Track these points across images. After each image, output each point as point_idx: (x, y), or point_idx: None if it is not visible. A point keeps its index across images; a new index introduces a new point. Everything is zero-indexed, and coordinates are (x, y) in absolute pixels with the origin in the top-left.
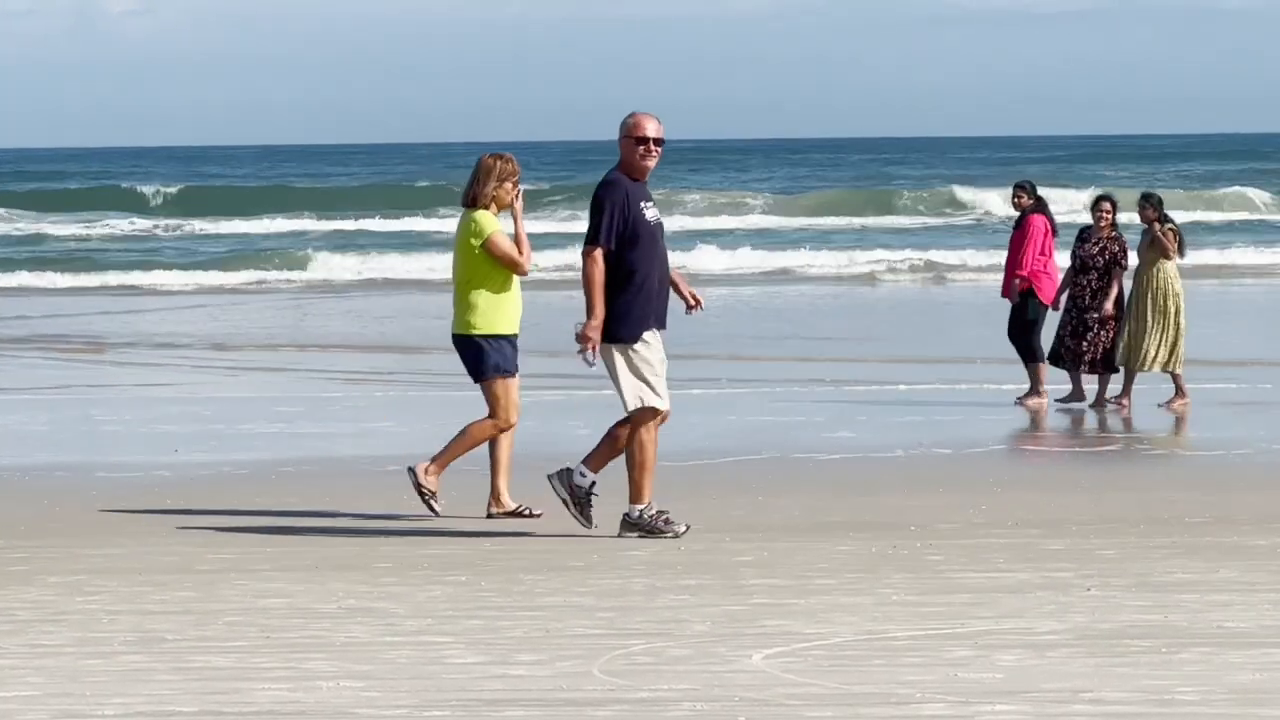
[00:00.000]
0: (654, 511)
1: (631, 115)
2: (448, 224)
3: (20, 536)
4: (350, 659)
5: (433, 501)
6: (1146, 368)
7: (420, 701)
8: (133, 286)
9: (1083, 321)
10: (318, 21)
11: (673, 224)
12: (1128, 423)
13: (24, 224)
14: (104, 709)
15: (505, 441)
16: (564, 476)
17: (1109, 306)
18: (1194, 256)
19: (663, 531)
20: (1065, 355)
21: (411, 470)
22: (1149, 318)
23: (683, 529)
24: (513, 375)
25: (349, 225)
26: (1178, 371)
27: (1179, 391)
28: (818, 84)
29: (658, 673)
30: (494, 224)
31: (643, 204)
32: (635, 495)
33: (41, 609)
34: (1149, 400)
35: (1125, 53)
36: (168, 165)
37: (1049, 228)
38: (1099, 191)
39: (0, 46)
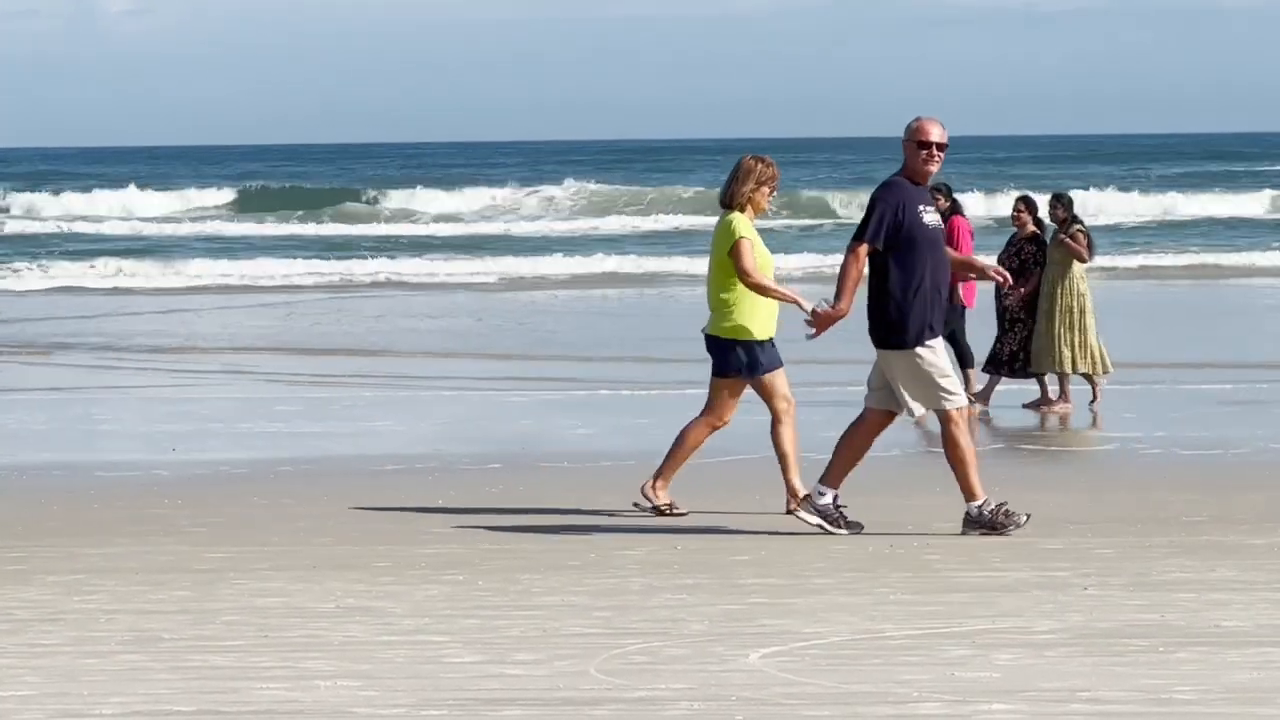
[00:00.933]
0: (993, 506)
1: (916, 120)
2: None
3: (18, 536)
4: (348, 658)
5: (674, 509)
6: (1065, 369)
7: (418, 700)
8: None
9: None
10: (317, 20)
11: (657, 223)
12: (1097, 420)
13: None
14: (101, 708)
15: (788, 434)
16: (807, 506)
17: (1013, 301)
18: (1208, 257)
19: (1004, 525)
20: (1010, 362)
21: (644, 494)
22: (1060, 320)
23: (1024, 519)
24: (776, 369)
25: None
26: (1104, 373)
27: (1094, 394)
28: (821, 83)
29: (655, 672)
30: (745, 229)
31: (921, 207)
32: (969, 494)
33: (39, 608)
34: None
35: (1127, 51)
36: (122, 167)
37: (970, 229)
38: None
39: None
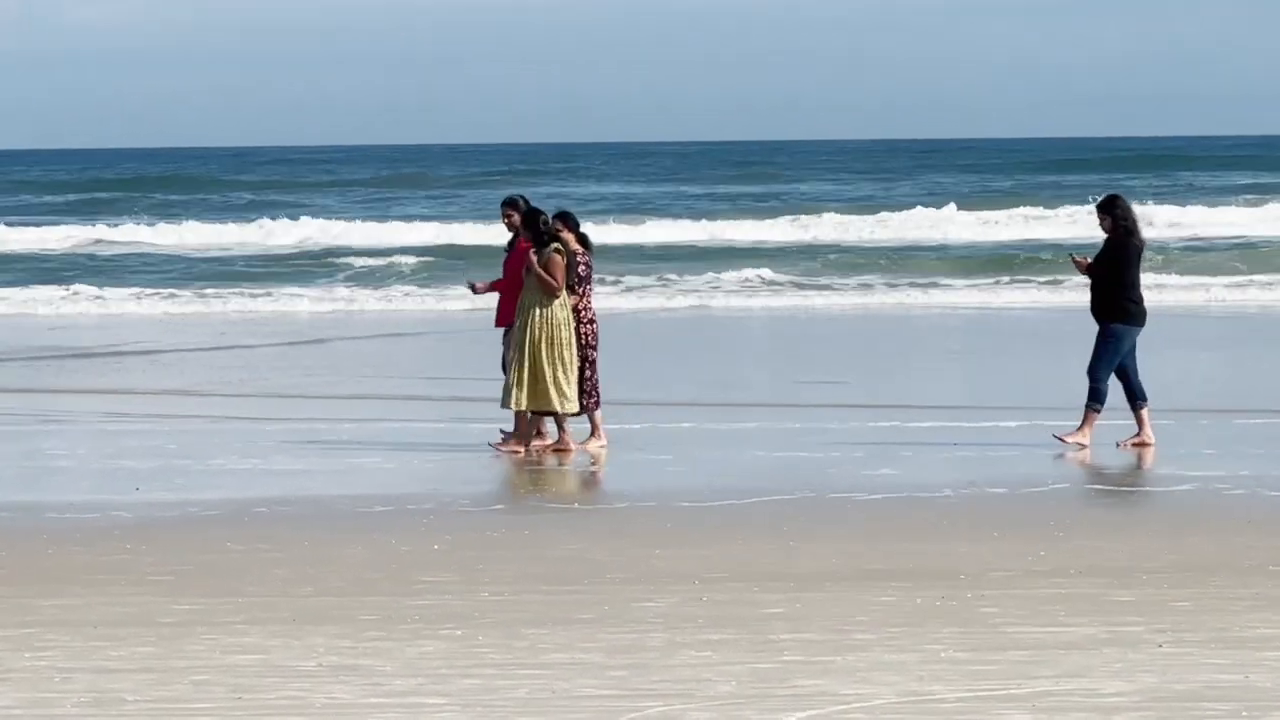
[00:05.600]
0: None
1: None
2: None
3: None
4: None
5: None
6: (515, 406)
7: None
8: None
9: None
10: (284, 17)
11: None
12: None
13: None
14: None
15: None
16: None
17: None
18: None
19: None
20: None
21: None
22: (534, 354)
23: None
24: None
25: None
26: (563, 413)
27: (560, 430)
28: (847, 83)
29: None
30: None
31: None
32: None
33: None
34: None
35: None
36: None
37: None
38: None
39: None
